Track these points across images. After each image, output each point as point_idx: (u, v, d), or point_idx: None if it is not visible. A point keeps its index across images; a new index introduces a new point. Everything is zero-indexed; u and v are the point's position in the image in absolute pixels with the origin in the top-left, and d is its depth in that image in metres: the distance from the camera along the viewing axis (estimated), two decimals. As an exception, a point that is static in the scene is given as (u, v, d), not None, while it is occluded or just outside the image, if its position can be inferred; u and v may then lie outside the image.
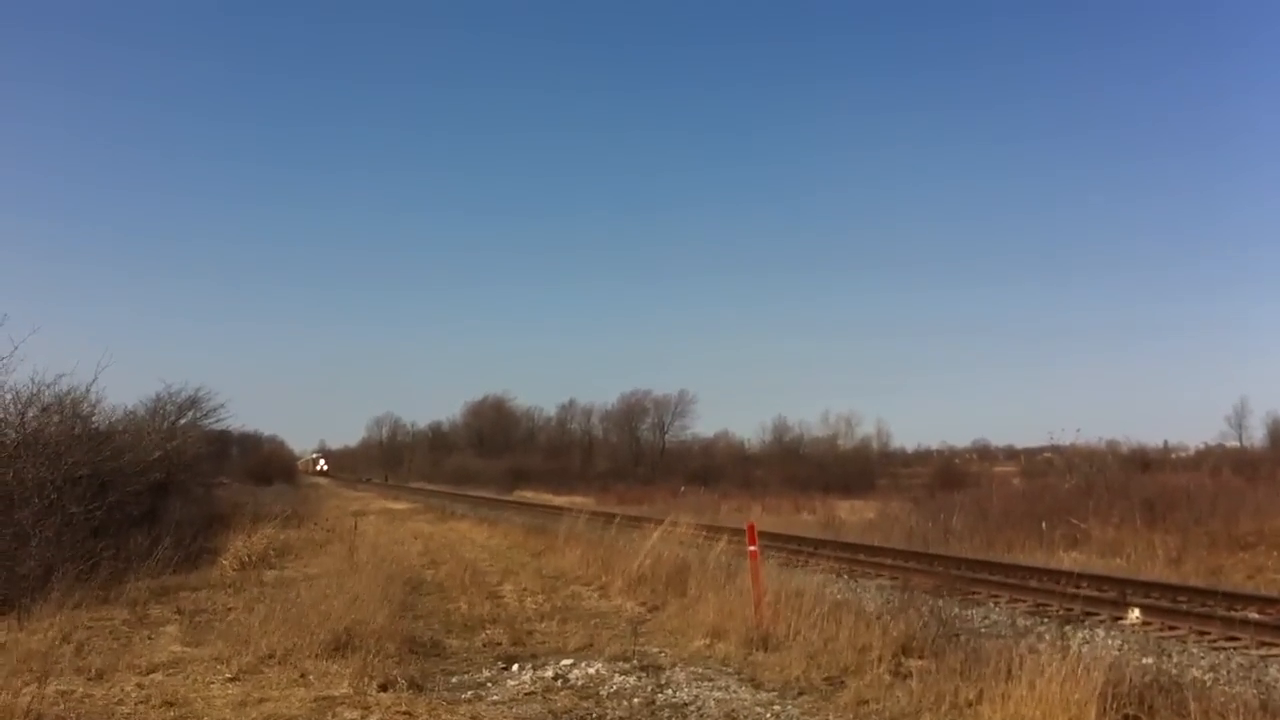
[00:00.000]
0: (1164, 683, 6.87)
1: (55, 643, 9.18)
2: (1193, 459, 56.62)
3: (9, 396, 15.02)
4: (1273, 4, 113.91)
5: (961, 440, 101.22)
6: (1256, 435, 69.70)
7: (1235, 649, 9.79)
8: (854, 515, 32.43)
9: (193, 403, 26.19)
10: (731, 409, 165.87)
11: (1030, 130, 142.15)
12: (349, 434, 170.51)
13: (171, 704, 7.12)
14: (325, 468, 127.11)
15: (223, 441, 44.86)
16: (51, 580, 11.24)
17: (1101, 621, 11.45)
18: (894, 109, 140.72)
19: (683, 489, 52.61)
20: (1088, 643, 9.67)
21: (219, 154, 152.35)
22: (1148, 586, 13.05)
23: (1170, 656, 9.39)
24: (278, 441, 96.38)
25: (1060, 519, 21.56)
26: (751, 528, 10.29)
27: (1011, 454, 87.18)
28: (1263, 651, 9.62)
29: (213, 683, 7.79)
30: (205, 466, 28.56)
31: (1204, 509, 21.15)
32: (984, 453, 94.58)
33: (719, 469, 73.01)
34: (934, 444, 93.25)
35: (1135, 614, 11.48)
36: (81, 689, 7.56)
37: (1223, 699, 6.48)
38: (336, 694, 7.34)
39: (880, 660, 7.96)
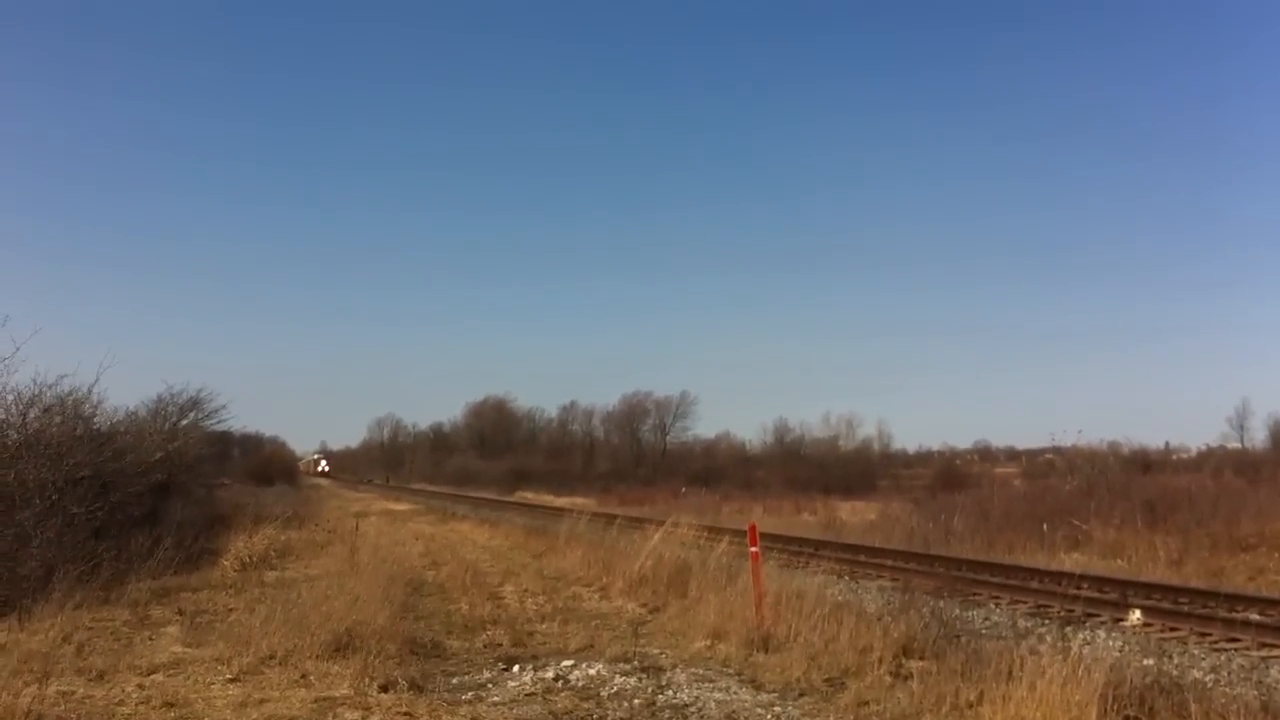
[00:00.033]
0: (1165, 684, 6.86)
1: (56, 643, 9.19)
2: (1194, 460, 56.59)
3: (11, 397, 15.04)
4: (1273, 5, 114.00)
5: (963, 441, 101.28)
6: (1258, 436, 69.74)
7: (1236, 650, 9.79)
8: (855, 516, 32.43)
9: (194, 404, 26.23)
10: (732, 410, 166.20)
11: (1030, 131, 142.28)
12: (350, 435, 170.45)
13: (172, 705, 7.13)
14: (326, 469, 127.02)
15: (224, 442, 44.86)
16: (53, 581, 11.24)
17: (1102, 623, 11.45)
18: (894, 109, 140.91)
19: (684, 490, 52.62)
20: (1089, 644, 9.66)
21: (219, 154, 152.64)
22: (1149, 588, 13.05)
23: (1171, 658, 9.39)
24: (279, 442, 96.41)
25: (1061, 520, 21.56)
26: (753, 528, 10.29)
27: (1013, 455, 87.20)
28: (1264, 653, 9.61)
29: (213, 683, 7.79)
30: (207, 467, 28.60)
31: (1205, 510, 21.14)
32: (985, 454, 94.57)
33: (720, 470, 73.01)
34: (935, 445, 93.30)
35: (1136, 615, 11.48)
36: (82, 690, 7.57)
37: (1224, 700, 6.48)
38: (337, 695, 7.34)
39: (881, 661, 7.96)
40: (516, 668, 8.64)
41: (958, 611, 11.77)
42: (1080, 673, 6.26)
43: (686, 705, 7.24)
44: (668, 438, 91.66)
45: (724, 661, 8.76)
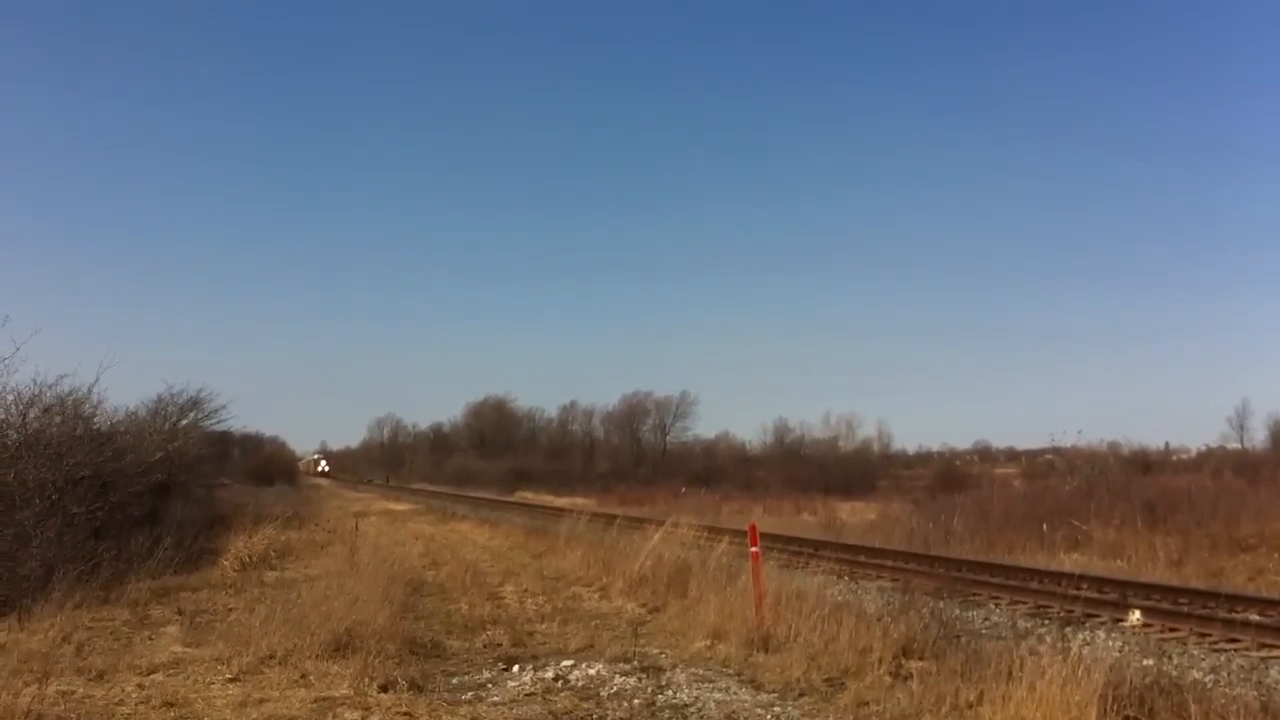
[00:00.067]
0: (1164, 685, 6.86)
1: (56, 643, 9.19)
2: (1194, 461, 56.63)
3: (10, 397, 15.05)
4: (1273, 6, 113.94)
5: (963, 442, 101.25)
6: (1258, 437, 69.72)
7: (1236, 651, 9.79)
8: (855, 516, 32.44)
9: (194, 404, 26.24)
10: (733, 410, 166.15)
11: (1030, 131, 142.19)
12: (350, 435, 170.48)
13: (172, 704, 7.13)
14: (326, 469, 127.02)
15: (224, 442, 44.86)
16: (52, 581, 11.24)
17: (1102, 623, 11.46)
18: (894, 110, 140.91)
19: (684, 490, 52.60)
20: (1088, 644, 9.65)
21: (219, 154, 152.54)
22: (1148, 588, 13.05)
23: (1171, 658, 9.39)
24: (279, 442, 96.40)
25: (1061, 521, 21.56)
26: (753, 528, 10.28)
27: (1013, 455, 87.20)
28: (1264, 653, 9.61)
29: (213, 683, 7.79)
30: (207, 467, 28.61)
31: (1205, 511, 21.14)
32: (985, 454, 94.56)
33: (720, 470, 72.95)
34: (935, 445, 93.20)
35: (1136, 616, 11.48)
36: (82, 689, 7.57)
37: (1223, 701, 6.48)
38: (337, 695, 7.34)
39: (881, 662, 7.96)
40: (516, 668, 8.64)
41: (957, 612, 11.77)
42: (1080, 673, 6.26)
43: (686, 705, 7.24)
44: (668, 438, 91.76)
45: (724, 661, 8.76)
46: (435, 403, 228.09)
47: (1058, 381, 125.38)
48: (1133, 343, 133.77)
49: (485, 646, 9.86)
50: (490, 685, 8.06)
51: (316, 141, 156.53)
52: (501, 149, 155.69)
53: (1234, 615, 11.15)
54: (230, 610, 11.69)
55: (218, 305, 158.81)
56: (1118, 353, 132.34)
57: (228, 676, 7.99)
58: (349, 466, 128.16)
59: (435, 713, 6.93)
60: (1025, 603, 12.98)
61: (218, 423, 29.67)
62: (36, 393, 15.45)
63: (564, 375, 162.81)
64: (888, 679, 7.61)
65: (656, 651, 9.31)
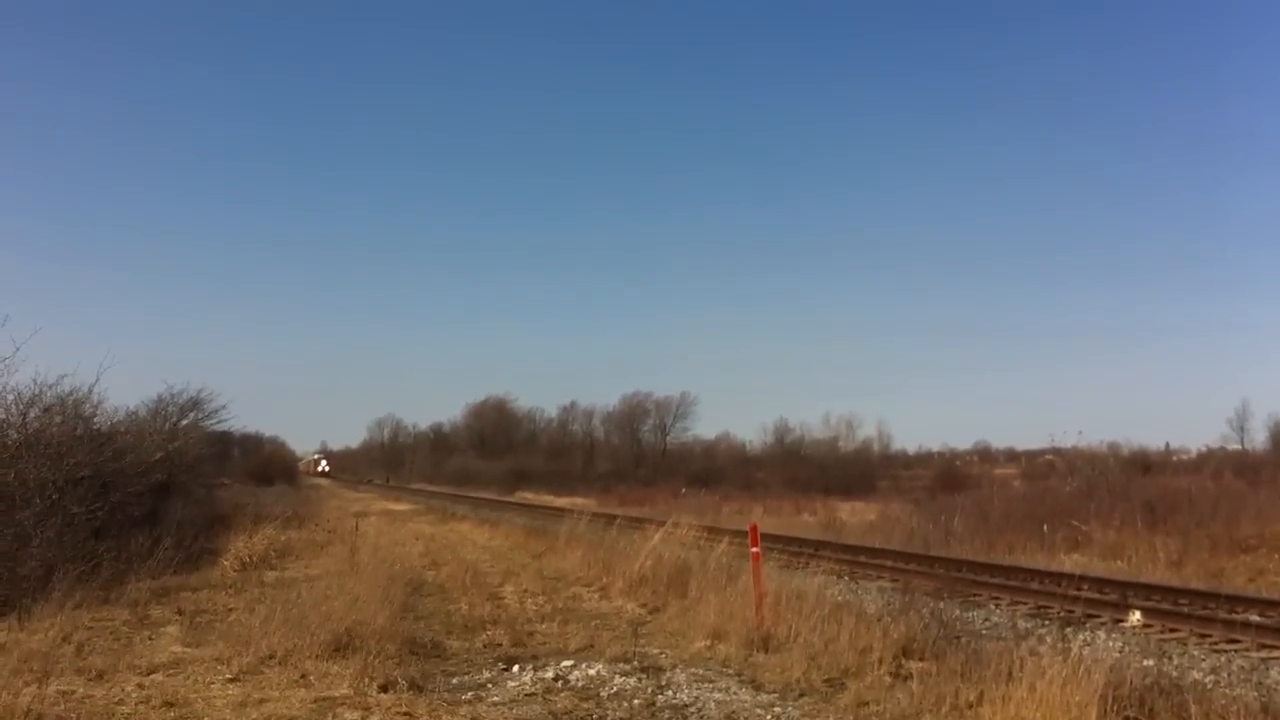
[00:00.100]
0: (1165, 685, 6.86)
1: (56, 643, 9.19)
2: (1194, 461, 56.57)
3: (11, 397, 15.05)
4: (1273, 6, 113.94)
5: (963, 442, 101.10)
6: (1258, 438, 69.53)
7: (1236, 651, 9.79)
8: (855, 517, 32.43)
9: (194, 404, 26.23)
10: (733, 410, 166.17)
11: (1030, 132, 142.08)
12: (350, 435, 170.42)
13: (172, 704, 7.13)
14: (326, 469, 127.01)
15: (224, 442, 44.86)
16: (52, 580, 11.24)
17: (1102, 624, 11.45)
18: (894, 110, 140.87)
19: (684, 490, 52.57)
20: (1088, 645, 9.65)
21: (219, 154, 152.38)
22: (1149, 589, 13.05)
23: (1171, 659, 9.39)
24: (279, 442, 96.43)
25: (1061, 521, 21.56)
26: (754, 528, 10.29)
27: (1013, 456, 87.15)
28: (1264, 654, 9.61)
29: (213, 683, 7.80)
30: (207, 467, 28.60)
31: (1205, 512, 21.14)
32: (985, 455, 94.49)
33: (720, 470, 72.90)
34: (935, 446, 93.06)
35: (1136, 616, 11.48)
36: (82, 689, 7.57)
37: (1223, 701, 6.48)
38: (337, 695, 7.34)
39: (881, 662, 7.96)
40: (516, 668, 8.64)
41: (958, 612, 11.77)
42: (1080, 673, 6.26)
43: (686, 705, 7.24)
44: (668, 438, 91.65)
45: (724, 662, 8.76)
46: (435, 403, 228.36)
47: (1058, 382, 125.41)
48: (1133, 343, 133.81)
49: (485, 646, 9.86)
50: (490, 685, 8.06)
51: (316, 141, 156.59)
52: (501, 149, 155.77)
53: (1234, 616, 11.15)
54: (230, 610, 11.69)
55: (218, 305, 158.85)
56: (1118, 353, 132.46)
57: (228, 676, 7.99)
58: (349, 466, 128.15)
59: (435, 713, 6.93)
60: (1025, 603, 12.98)
61: (218, 423, 29.71)
62: (37, 392, 15.48)
63: (564, 375, 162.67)
64: (888, 679, 7.61)
65: (656, 651, 9.31)
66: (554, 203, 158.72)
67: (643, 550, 14.04)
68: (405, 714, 6.87)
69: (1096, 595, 12.87)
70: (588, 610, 12.21)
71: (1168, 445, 63.30)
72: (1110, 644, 10.00)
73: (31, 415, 15.18)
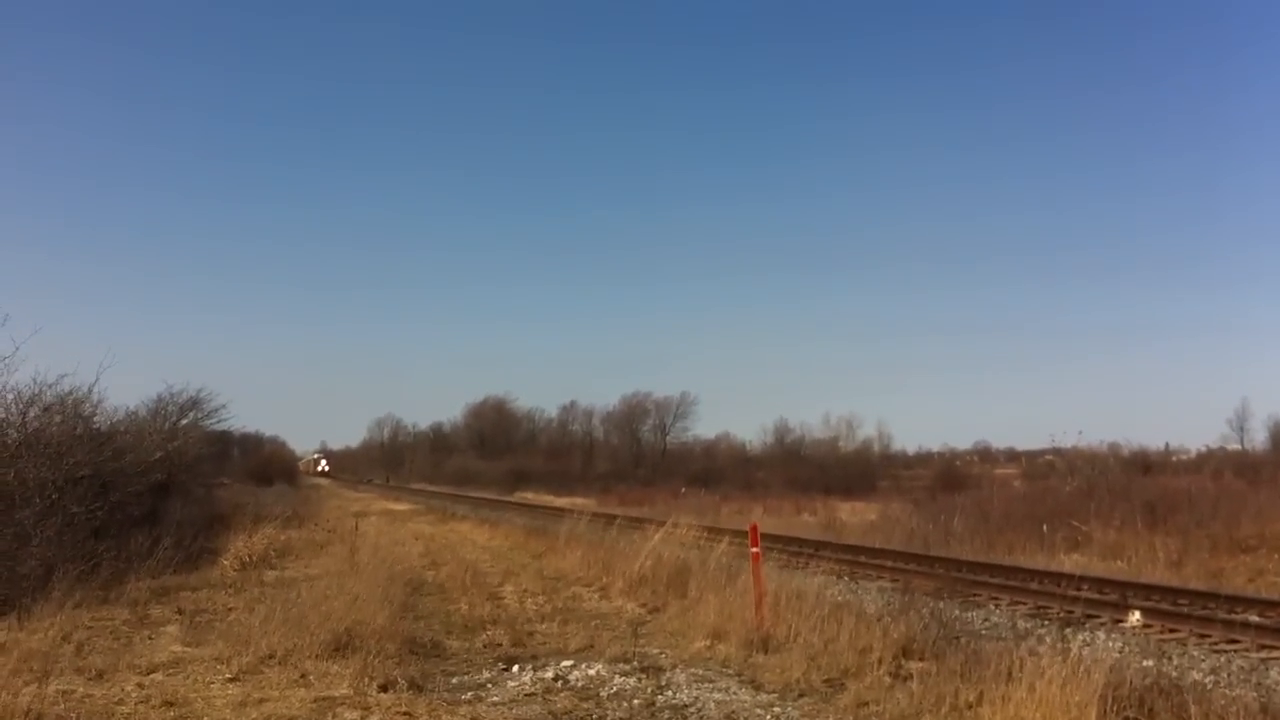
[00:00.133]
0: (1164, 685, 6.86)
1: (56, 642, 9.18)
2: (1194, 461, 56.56)
3: (11, 396, 15.05)
4: (1273, 6, 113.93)
5: (963, 442, 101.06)
6: (1258, 438, 69.56)
7: (1236, 652, 9.79)
8: (855, 517, 32.43)
9: (194, 403, 26.25)
10: (732, 410, 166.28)
11: (1030, 131, 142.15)
12: (350, 435, 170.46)
13: (172, 704, 7.13)
14: (326, 468, 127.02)
15: (224, 442, 44.86)
16: (52, 580, 11.24)
17: (1102, 624, 11.45)
18: (894, 109, 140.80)
19: (683, 490, 52.58)
20: (1088, 645, 9.65)
21: (219, 154, 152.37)
22: (1148, 589, 13.05)
23: (1171, 659, 9.38)
24: (279, 442, 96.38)
25: (1061, 521, 21.56)
26: (754, 528, 10.29)
27: (1013, 456, 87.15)
28: (1263, 654, 9.61)
29: (213, 683, 7.80)
30: (206, 467, 28.61)
31: (1205, 512, 21.14)
32: (985, 455, 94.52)
33: (720, 470, 72.91)
34: (935, 446, 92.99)
35: (1136, 617, 11.48)
36: (82, 689, 7.57)
37: (1223, 702, 6.48)
38: (337, 694, 7.34)
39: (881, 662, 7.96)
40: (516, 668, 8.64)
41: (957, 612, 11.76)
42: (1080, 674, 6.26)
43: (686, 706, 7.24)
44: (667, 438, 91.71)
45: (724, 662, 8.76)
46: (435, 403, 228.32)
47: (1058, 382, 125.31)
48: (1133, 343, 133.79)
49: (485, 646, 9.86)
50: (490, 685, 8.06)
51: (316, 141, 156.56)
52: (501, 149, 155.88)
53: (1234, 616, 11.14)
54: (230, 610, 11.69)
55: (218, 305, 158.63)
56: (1118, 353, 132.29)
57: (227, 676, 7.99)
58: (349, 466, 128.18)
59: (435, 712, 6.93)
60: (1025, 603, 12.98)
61: (217, 422, 29.74)
62: (36, 392, 15.48)
63: (564, 375, 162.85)
64: (887, 679, 7.61)
65: (656, 652, 9.31)
66: (554, 203, 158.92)
67: (643, 550, 14.04)
68: (405, 714, 6.87)
69: (1096, 595, 12.86)
70: (587, 610, 12.21)
71: (1168, 445, 63.34)
72: (1110, 644, 10.00)
73: (31, 414, 15.18)
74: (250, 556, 17.57)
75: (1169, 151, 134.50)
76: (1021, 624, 11.53)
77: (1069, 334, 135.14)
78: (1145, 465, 44.31)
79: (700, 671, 8.36)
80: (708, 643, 9.40)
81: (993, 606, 12.95)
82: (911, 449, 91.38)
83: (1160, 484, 28.62)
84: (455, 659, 9.26)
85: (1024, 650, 7.26)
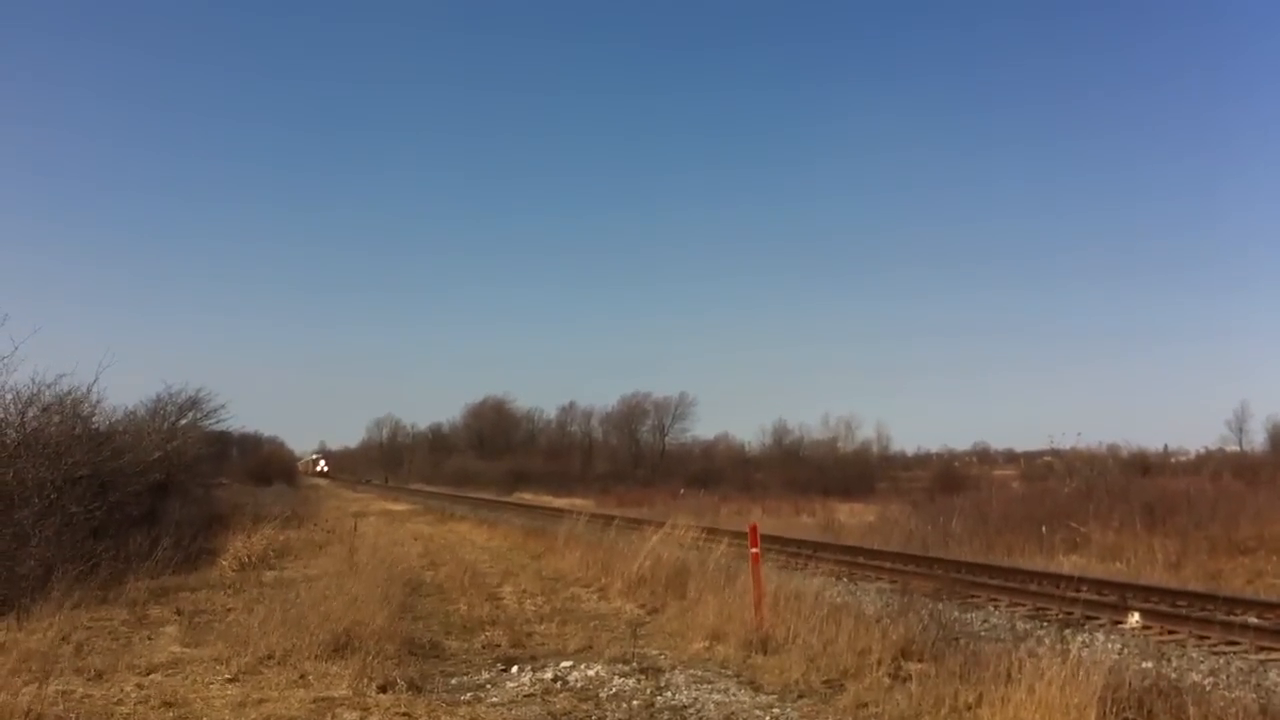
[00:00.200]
0: (1163, 687, 6.87)
1: (55, 643, 9.18)
2: (1193, 463, 56.59)
3: (9, 396, 15.03)
4: (1273, 6, 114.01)
5: (961, 443, 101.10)
6: (1257, 440, 69.61)
7: (1235, 653, 9.79)
8: (853, 518, 32.43)
9: (193, 403, 26.23)
10: (731, 411, 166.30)
11: (1030, 134, 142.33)
12: (349, 435, 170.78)
13: (171, 704, 7.12)
14: (325, 469, 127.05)
15: (223, 442, 44.82)
16: (51, 580, 11.23)
17: (1101, 625, 11.46)
18: (893, 111, 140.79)
19: (682, 491, 52.53)
20: (1087, 647, 9.66)
21: (219, 154, 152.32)
22: (1147, 591, 13.06)
23: (1170, 661, 9.39)
24: (278, 442, 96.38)
25: (1060, 523, 21.56)
26: (754, 529, 10.29)
27: (1011, 457, 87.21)
28: (1262, 656, 9.62)
29: (212, 683, 7.79)
30: (205, 467, 28.58)
31: (1204, 513, 21.14)
32: (984, 456, 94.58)
33: (719, 471, 72.88)
34: (934, 447, 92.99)
35: (1135, 618, 11.48)
36: (81, 689, 7.56)
37: (1222, 703, 6.49)
38: (336, 695, 7.34)
39: (880, 663, 7.96)
40: (515, 668, 8.64)
41: (956, 614, 11.76)
42: (1079, 675, 6.26)
43: (685, 707, 7.24)
44: (666, 439, 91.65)
45: (722, 663, 8.76)
46: (434, 403, 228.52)
47: (1057, 383, 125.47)
48: (1132, 345, 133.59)
49: (484, 647, 9.86)
50: (489, 686, 8.06)
51: (316, 142, 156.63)
52: (502, 149, 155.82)
53: (1233, 618, 11.14)
54: (229, 610, 11.68)
55: (217, 305, 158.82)
56: (1117, 354, 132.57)
57: (226, 677, 7.99)
58: (348, 467, 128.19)
59: (434, 713, 6.93)
60: (1024, 605, 12.99)
61: (216, 422, 29.69)
62: (35, 392, 15.46)
63: (563, 376, 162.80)
64: (886, 681, 7.61)
65: (655, 652, 9.31)
66: (553, 203, 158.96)
67: (641, 551, 14.04)
68: (404, 714, 6.87)
69: (1095, 597, 12.87)
70: (586, 611, 12.20)
71: (1166, 447, 63.40)
72: (1109, 646, 10.00)
73: (30, 414, 15.17)
74: (249, 557, 17.56)
75: (1169, 154, 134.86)
76: (1020, 625, 11.53)
77: (1068, 336, 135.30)
78: (1144, 467, 44.32)
79: (699, 672, 8.36)
80: (707, 644, 9.40)
81: (992, 608, 12.95)
82: (910, 450, 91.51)
83: (1159, 485, 28.64)
84: (454, 660, 9.26)
85: (1023, 652, 7.26)
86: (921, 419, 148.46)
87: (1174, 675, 8.37)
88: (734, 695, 7.56)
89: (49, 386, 15.78)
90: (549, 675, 8.25)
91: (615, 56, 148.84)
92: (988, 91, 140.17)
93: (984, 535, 21.92)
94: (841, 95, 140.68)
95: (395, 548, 19.59)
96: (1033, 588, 13.97)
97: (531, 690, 7.81)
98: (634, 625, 10.88)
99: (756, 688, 7.82)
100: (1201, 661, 9.40)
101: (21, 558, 12.39)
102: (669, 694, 7.59)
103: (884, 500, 41.45)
